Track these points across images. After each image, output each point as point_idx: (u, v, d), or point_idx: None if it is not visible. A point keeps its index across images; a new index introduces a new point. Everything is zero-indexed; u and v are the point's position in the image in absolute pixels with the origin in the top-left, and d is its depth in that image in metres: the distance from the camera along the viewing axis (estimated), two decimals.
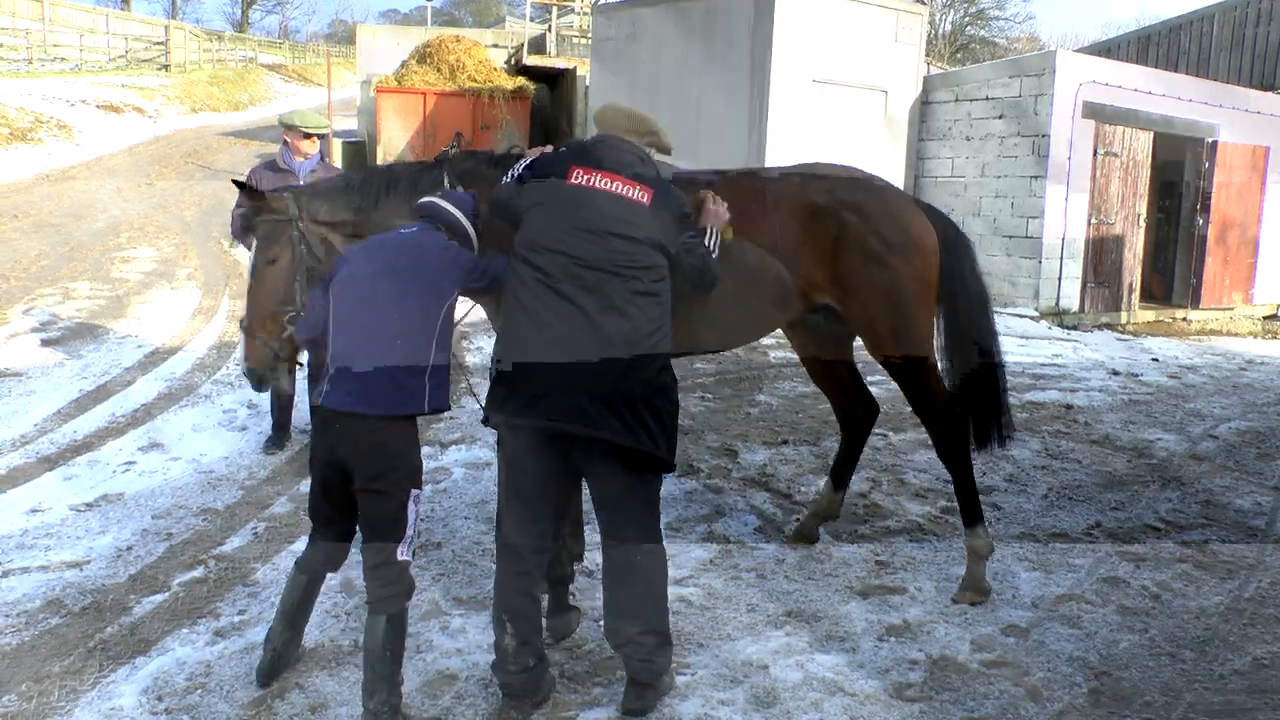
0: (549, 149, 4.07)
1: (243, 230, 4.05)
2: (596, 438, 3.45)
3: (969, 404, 4.93)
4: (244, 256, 7.42)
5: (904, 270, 4.61)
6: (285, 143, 6.92)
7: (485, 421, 3.71)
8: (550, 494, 3.64)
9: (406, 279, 3.57)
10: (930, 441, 4.95)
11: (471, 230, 3.85)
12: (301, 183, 6.68)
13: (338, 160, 21.12)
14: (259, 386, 4.06)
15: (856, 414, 5.35)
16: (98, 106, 26.06)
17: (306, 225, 3.99)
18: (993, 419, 4.98)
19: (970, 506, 4.78)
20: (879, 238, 4.57)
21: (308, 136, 6.87)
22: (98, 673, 3.87)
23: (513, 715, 3.61)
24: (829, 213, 4.55)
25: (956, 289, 4.82)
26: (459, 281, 3.68)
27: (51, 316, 9.96)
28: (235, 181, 4.21)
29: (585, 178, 3.60)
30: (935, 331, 4.84)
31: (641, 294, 3.53)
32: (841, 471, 5.42)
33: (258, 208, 3.99)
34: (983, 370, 4.92)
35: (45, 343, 9.00)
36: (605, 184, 3.59)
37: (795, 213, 4.53)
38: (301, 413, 6.89)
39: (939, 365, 4.83)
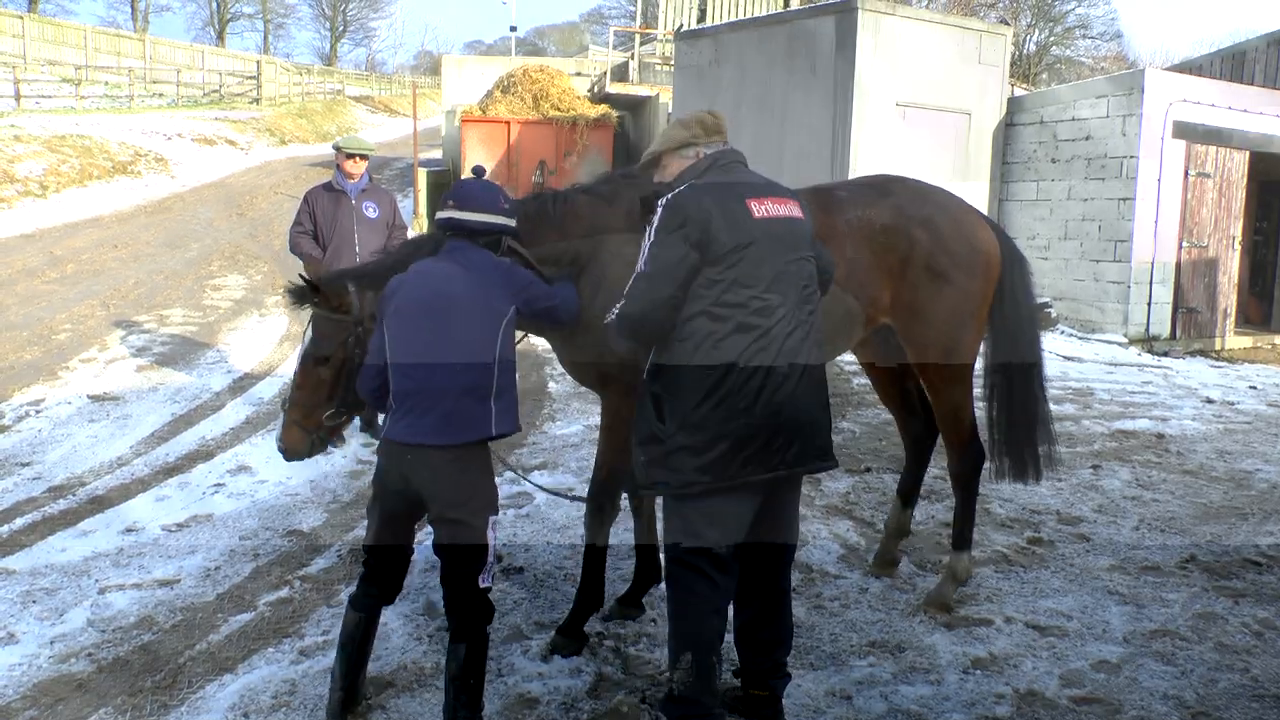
0: (681, 190, 3.43)
1: (295, 299, 3.90)
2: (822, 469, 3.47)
3: (1009, 427, 4.84)
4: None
5: (969, 287, 4.57)
6: (338, 165, 7.62)
7: (668, 487, 3.34)
8: (744, 534, 3.43)
9: (461, 305, 3.50)
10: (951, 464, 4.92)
11: (503, 219, 3.72)
12: (353, 202, 7.45)
13: (421, 189, 21.52)
14: (288, 460, 3.93)
15: (920, 432, 5.28)
16: (192, 140, 27.04)
17: (367, 325, 3.76)
18: (1030, 444, 4.86)
19: (965, 531, 4.89)
20: (948, 254, 4.53)
21: (350, 158, 7.54)
22: (187, 688, 3.96)
23: None
24: (898, 231, 4.51)
25: (1009, 307, 4.75)
26: (512, 299, 3.60)
27: (147, 342, 10.29)
28: (302, 277, 4.02)
29: (761, 208, 3.35)
30: (980, 351, 4.81)
31: (815, 311, 3.46)
32: (909, 490, 5.35)
33: (321, 302, 3.85)
34: (1025, 391, 4.83)
35: (140, 368, 9.30)
36: (777, 209, 3.39)
37: (864, 234, 4.48)
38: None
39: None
